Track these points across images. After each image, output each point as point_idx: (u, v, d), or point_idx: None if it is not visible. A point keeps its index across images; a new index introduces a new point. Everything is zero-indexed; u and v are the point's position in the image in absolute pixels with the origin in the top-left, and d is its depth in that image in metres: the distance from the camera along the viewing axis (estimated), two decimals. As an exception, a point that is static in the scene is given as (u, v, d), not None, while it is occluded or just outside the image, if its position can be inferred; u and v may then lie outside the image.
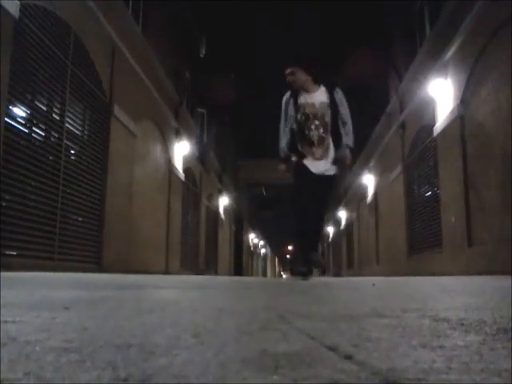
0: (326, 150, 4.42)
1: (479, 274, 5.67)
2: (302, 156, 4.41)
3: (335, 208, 22.35)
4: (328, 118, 4.41)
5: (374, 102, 13.54)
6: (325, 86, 4.49)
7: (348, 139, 4.51)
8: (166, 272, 10.12)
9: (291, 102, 4.47)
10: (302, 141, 4.42)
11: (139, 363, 0.49)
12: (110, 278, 4.30)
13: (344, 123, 4.50)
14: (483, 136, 6.32)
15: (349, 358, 0.52)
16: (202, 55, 14.07)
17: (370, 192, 14.53)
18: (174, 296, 1.87)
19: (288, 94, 4.54)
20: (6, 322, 0.80)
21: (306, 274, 4.34)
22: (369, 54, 12.56)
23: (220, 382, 0.42)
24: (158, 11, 10.07)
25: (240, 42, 14.26)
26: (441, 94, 7.73)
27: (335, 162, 4.48)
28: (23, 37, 4.91)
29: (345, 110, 4.50)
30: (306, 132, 4.39)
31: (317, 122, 4.40)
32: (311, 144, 4.39)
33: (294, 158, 4.45)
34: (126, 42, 7.69)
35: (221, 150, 18.35)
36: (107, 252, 6.83)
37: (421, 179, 9.74)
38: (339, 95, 4.48)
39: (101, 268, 6.57)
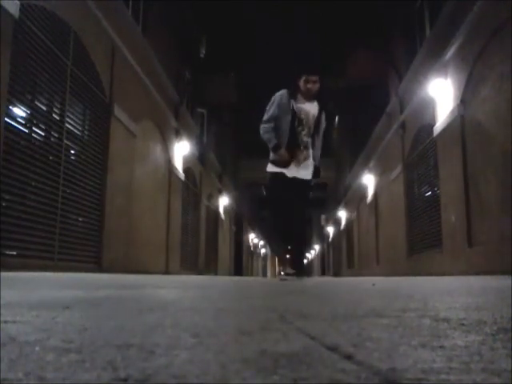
0: (308, 158, 4.51)
1: (479, 274, 5.67)
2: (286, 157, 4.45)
3: (335, 208, 22.34)
4: (313, 131, 4.54)
5: (374, 101, 13.54)
6: (318, 100, 4.58)
7: (317, 159, 4.63)
8: (166, 272, 10.12)
9: (287, 101, 4.47)
10: (289, 142, 4.42)
11: (139, 363, 0.49)
12: (110, 278, 4.30)
13: (317, 139, 4.59)
14: (483, 136, 6.32)
15: (349, 357, 0.52)
16: (201, 55, 14.06)
17: (370, 192, 14.53)
18: (174, 296, 1.87)
19: (286, 93, 4.52)
20: (6, 321, 0.80)
21: (296, 275, 4.44)
22: (369, 54, 12.56)
23: (220, 382, 0.42)
24: (157, 11, 10.07)
25: (240, 42, 14.27)
26: (441, 93, 7.73)
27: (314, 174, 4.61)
28: (23, 37, 4.91)
29: (321, 131, 4.63)
30: (296, 136, 4.44)
31: (306, 130, 4.49)
32: (297, 148, 4.44)
33: (282, 152, 4.41)
34: (126, 42, 7.69)
35: (221, 150, 18.35)
36: (107, 252, 6.83)
37: (421, 179, 9.74)
38: (323, 116, 4.61)
39: (101, 268, 6.57)
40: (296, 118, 4.43)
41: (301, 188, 4.47)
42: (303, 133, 4.46)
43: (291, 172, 4.43)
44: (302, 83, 4.44)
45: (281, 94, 4.54)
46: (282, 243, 4.75)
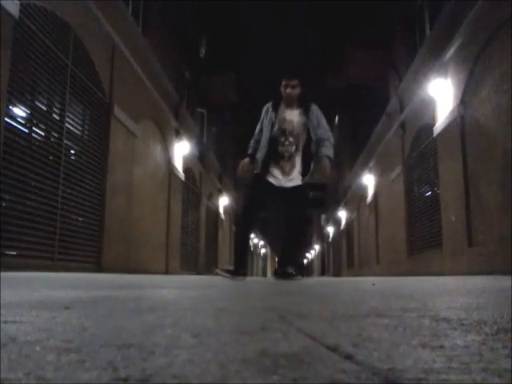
0: (293, 168, 4.38)
1: (479, 274, 5.67)
2: (265, 170, 4.36)
3: (335, 208, 22.35)
4: (302, 138, 4.38)
5: (374, 101, 13.54)
6: (301, 104, 4.43)
7: (327, 150, 4.40)
8: (166, 272, 10.12)
9: (271, 113, 4.40)
10: (271, 154, 4.35)
11: (139, 363, 0.49)
12: (110, 278, 4.30)
13: (323, 140, 4.40)
14: (483, 136, 6.32)
15: (349, 357, 0.52)
16: (201, 55, 14.07)
17: (370, 192, 14.53)
18: (174, 296, 1.87)
19: (270, 105, 4.47)
20: (5, 322, 0.80)
21: (287, 276, 4.36)
22: (369, 54, 12.56)
23: (220, 382, 0.42)
24: (158, 11, 10.07)
25: (240, 42, 14.27)
26: (441, 93, 7.73)
27: (315, 173, 4.47)
28: (23, 37, 4.91)
29: (323, 128, 4.42)
30: (279, 147, 4.34)
31: (291, 139, 4.35)
32: (280, 159, 4.35)
33: (255, 169, 4.40)
34: (126, 42, 7.69)
35: (221, 150, 18.35)
36: (107, 252, 6.83)
37: (421, 179, 9.74)
38: (315, 113, 4.41)
39: (101, 268, 6.57)
40: (278, 129, 4.34)
41: (289, 193, 4.35)
42: (287, 143, 4.33)
43: (278, 181, 4.35)
44: (282, 89, 4.36)
45: (266, 107, 4.50)
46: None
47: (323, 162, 4.35)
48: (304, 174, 4.38)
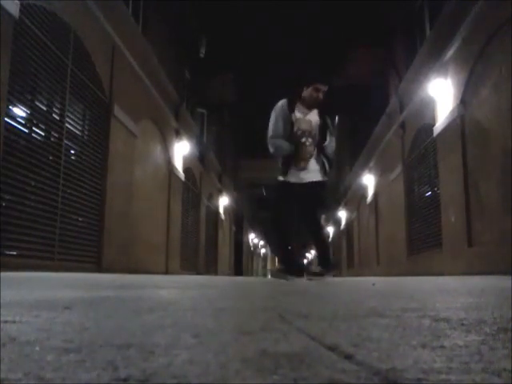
0: (311, 165, 4.36)
1: (479, 274, 5.67)
2: (287, 174, 4.36)
3: (335, 208, 22.35)
4: (318, 138, 4.38)
5: (374, 102, 13.54)
6: (319, 108, 4.42)
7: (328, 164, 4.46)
8: (166, 272, 10.12)
9: (287, 112, 4.35)
10: (293, 155, 4.33)
11: (139, 363, 0.49)
12: (110, 278, 4.30)
13: (327, 150, 4.43)
14: (483, 136, 6.32)
15: (349, 357, 0.52)
16: (201, 55, 14.06)
17: (370, 192, 14.53)
18: (174, 296, 1.87)
19: (285, 103, 4.41)
20: (6, 321, 0.80)
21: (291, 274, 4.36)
22: (369, 53, 12.56)
23: (220, 382, 0.42)
24: (158, 11, 10.07)
25: (240, 42, 14.27)
26: (441, 93, 7.73)
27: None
28: (23, 37, 4.91)
29: (332, 142, 4.44)
30: (300, 147, 4.31)
31: (310, 140, 4.34)
32: (302, 159, 4.34)
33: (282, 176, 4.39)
34: (126, 41, 7.69)
35: (221, 150, 18.35)
36: (107, 252, 6.83)
37: (421, 179, 9.74)
38: (329, 119, 4.45)
39: (101, 268, 6.57)
40: (298, 129, 4.31)
41: (308, 190, 4.33)
42: (307, 143, 4.31)
43: (296, 178, 4.34)
44: (309, 91, 4.31)
45: (281, 105, 4.42)
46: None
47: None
48: (323, 171, 4.41)
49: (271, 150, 4.40)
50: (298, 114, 4.36)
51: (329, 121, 4.46)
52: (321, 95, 4.35)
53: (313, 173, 4.37)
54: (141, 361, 0.50)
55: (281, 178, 4.41)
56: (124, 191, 7.75)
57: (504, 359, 0.52)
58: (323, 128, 4.37)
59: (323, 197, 4.62)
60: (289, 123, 4.33)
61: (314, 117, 4.39)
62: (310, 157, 4.35)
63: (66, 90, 5.86)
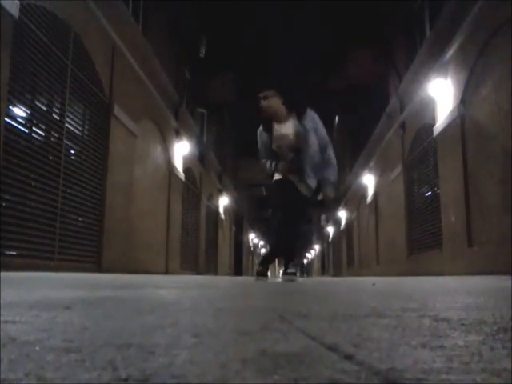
0: (304, 176, 4.19)
1: (479, 274, 5.67)
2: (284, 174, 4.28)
3: (335, 208, 22.35)
4: (305, 146, 4.12)
5: (374, 102, 13.54)
6: (296, 113, 4.16)
7: (329, 172, 4.25)
8: (166, 272, 10.12)
9: (265, 135, 4.27)
10: (281, 169, 4.26)
11: (139, 363, 0.49)
12: (110, 278, 4.30)
13: (322, 149, 4.20)
14: (483, 136, 6.32)
15: (349, 357, 0.52)
16: (202, 55, 14.06)
17: (370, 192, 14.53)
18: (174, 296, 1.87)
19: (261, 129, 4.31)
20: (6, 322, 0.80)
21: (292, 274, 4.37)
22: (369, 54, 12.56)
23: (220, 382, 0.42)
24: (158, 11, 10.07)
25: (240, 42, 14.26)
26: (441, 93, 7.73)
27: (321, 201, 4.39)
28: (23, 37, 4.91)
29: (320, 134, 4.17)
30: (284, 164, 4.23)
31: (291, 155, 4.18)
32: (291, 173, 4.22)
33: (277, 176, 4.32)
34: (125, 41, 7.69)
35: (221, 150, 18.35)
36: (107, 252, 6.83)
37: (421, 179, 9.74)
38: (309, 117, 4.13)
39: (101, 268, 6.57)
40: (277, 147, 4.22)
41: (297, 198, 4.21)
42: (289, 159, 4.19)
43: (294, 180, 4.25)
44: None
45: (259, 132, 4.36)
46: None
47: (327, 190, 4.29)
48: (314, 189, 4.27)
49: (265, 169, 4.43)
50: (275, 133, 4.23)
51: (307, 120, 4.13)
52: (262, 102, 4.14)
53: (305, 186, 4.21)
54: (141, 361, 0.50)
55: (277, 177, 4.35)
56: (124, 191, 7.75)
57: (504, 359, 0.52)
58: (303, 138, 4.11)
59: (301, 202, 4.31)
60: (269, 145, 4.25)
61: (289, 129, 4.18)
62: (299, 169, 4.15)
63: (65, 90, 5.86)
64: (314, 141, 4.14)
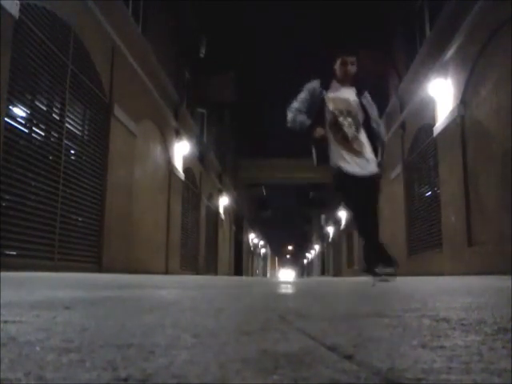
0: (362, 147, 3.90)
1: (479, 274, 5.67)
2: (338, 159, 3.88)
3: (335, 208, 22.35)
4: (361, 117, 3.94)
5: (374, 101, 13.52)
6: (356, 85, 3.97)
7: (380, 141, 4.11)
8: (166, 272, 10.12)
9: (320, 92, 3.94)
10: (335, 135, 3.88)
11: (139, 363, 0.49)
12: (110, 278, 4.30)
13: (377, 125, 4.07)
14: (483, 136, 6.32)
15: (349, 357, 0.52)
16: (201, 55, 14.06)
17: (370, 192, 14.51)
18: (174, 296, 1.87)
19: (317, 83, 4.00)
20: (6, 321, 0.80)
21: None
22: (369, 53, 12.56)
23: (220, 382, 0.42)
24: (157, 11, 10.07)
25: (240, 42, 14.26)
26: (441, 93, 7.73)
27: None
28: (23, 37, 4.91)
29: (374, 116, 4.06)
30: (340, 129, 3.87)
31: (349, 120, 3.91)
32: (346, 139, 3.87)
33: (319, 133, 3.82)
34: (125, 42, 7.69)
35: (221, 150, 18.35)
36: (107, 252, 6.83)
37: (421, 179, 9.74)
38: (367, 99, 4.04)
39: (101, 268, 6.57)
40: (335, 109, 3.91)
41: (364, 186, 3.83)
42: (346, 123, 3.88)
43: (351, 166, 3.85)
44: (337, 67, 3.94)
45: (311, 87, 3.98)
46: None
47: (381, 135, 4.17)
48: (375, 153, 4.02)
49: (288, 118, 3.98)
50: (332, 94, 3.96)
51: (369, 99, 4.03)
52: (350, 68, 3.95)
53: (371, 163, 3.94)
54: (141, 361, 0.50)
55: (336, 165, 3.91)
56: (124, 191, 7.74)
57: (504, 359, 0.52)
58: (364, 107, 3.96)
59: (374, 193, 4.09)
60: (318, 103, 3.92)
61: (351, 95, 3.98)
62: (355, 138, 3.89)
63: (65, 90, 5.86)
64: (375, 114, 4.08)
